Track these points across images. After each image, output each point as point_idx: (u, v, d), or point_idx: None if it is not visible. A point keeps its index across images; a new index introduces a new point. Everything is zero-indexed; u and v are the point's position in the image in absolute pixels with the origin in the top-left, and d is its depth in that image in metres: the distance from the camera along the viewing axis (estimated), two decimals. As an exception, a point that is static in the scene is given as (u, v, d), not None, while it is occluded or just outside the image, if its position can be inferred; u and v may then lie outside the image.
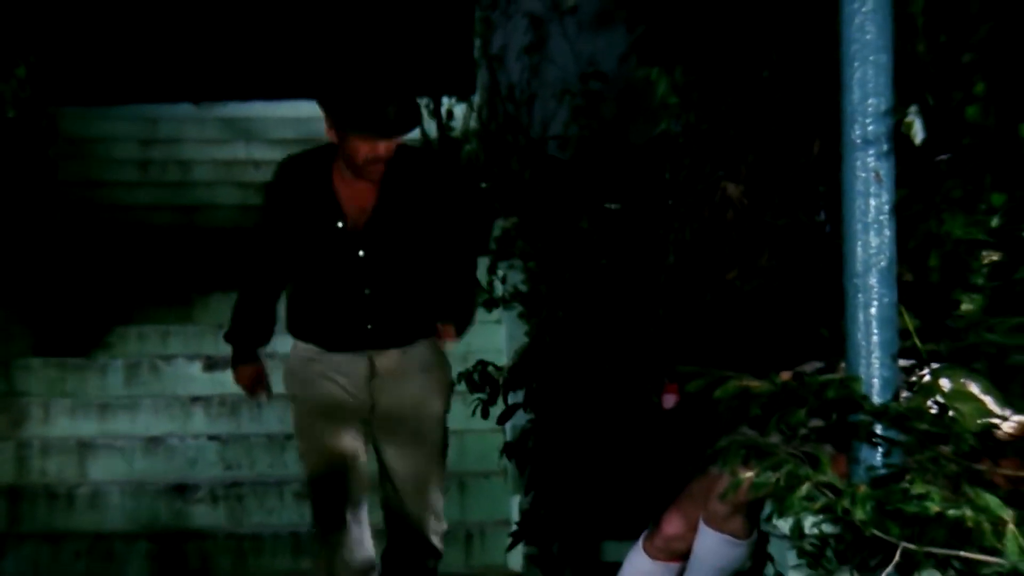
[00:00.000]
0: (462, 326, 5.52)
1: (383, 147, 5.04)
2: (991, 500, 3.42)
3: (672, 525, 4.97)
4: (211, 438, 7.66)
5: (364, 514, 5.43)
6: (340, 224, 5.20)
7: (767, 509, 4.77)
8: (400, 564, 5.46)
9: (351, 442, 5.35)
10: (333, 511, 5.34)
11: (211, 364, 8.21)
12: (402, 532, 5.43)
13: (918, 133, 5.27)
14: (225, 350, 8.42)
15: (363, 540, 5.40)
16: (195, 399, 7.94)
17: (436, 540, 5.46)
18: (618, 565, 5.18)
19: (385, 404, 5.35)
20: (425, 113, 9.97)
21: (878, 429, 3.81)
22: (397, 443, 5.38)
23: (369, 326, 5.27)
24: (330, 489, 5.33)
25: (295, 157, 5.41)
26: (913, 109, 5.21)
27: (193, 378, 8.17)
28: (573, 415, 6.35)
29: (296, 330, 5.46)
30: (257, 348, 5.57)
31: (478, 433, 7.37)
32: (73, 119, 11.00)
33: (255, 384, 5.59)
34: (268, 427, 7.81)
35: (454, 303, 5.48)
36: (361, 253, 5.21)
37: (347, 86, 5.01)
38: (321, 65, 5.22)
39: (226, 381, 8.11)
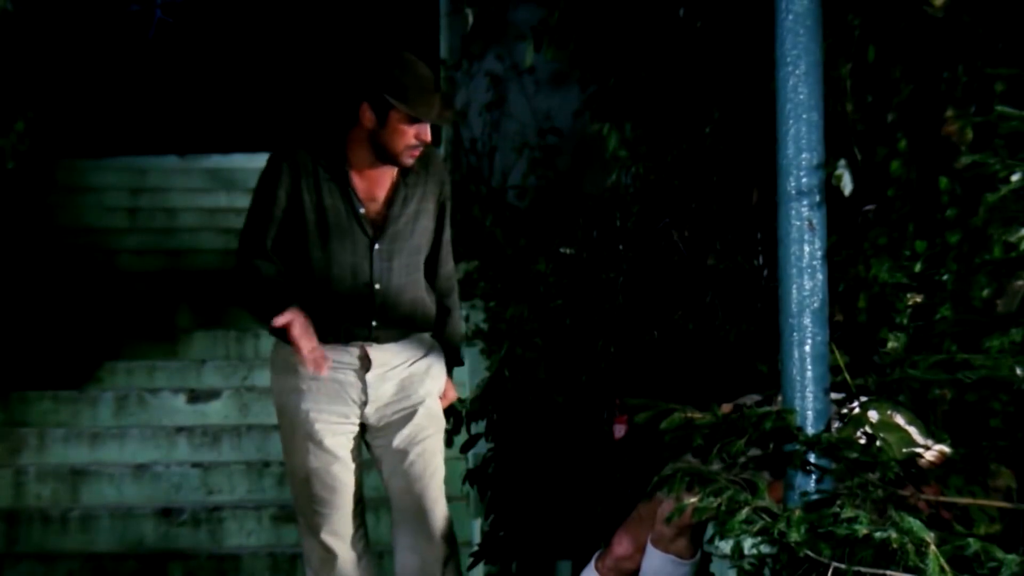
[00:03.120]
0: (456, 349, 5.11)
1: (428, 132, 4.74)
2: (914, 523, 3.43)
3: (622, 546, 4.97)
4: (194, 465, 7.62)
5: (356, 525, 5.01)
6: (362, 211, 4.81)
7: (709, 531, 4.77)
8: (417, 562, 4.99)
9: (345, 444, 4.92)
10: (326, 520, 4.94)
11: (194, 396, 8.17)
12: (411, 525, 4.99)
13: (847, 185, 5.31)
14: (207, 382, 8.45)
15: (355, 558, 5.02)
16: (179, 429, 7.89)
17: (447, 527, 5.00)
18: (572, 583, 5.17)
19: (380, 394, 4.90)
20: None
21: (811, 458, 3.82)
22: (394, 432, 4.94)
23: (374, 323, 4.85)
24: (323, 498, 4.93)
25: (299, 138, 4.90)
26: (842, 163, 5.25)
27: (178, 410, 8.12)
28: (531, 444, 6.33)
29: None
30: (288, 302, 4.78)
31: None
32: (68, 170, 10.97)
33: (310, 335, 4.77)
34: (247, 455, 7.77)
35: (449, 321, 5.07)
36: (377, 246, 4.83)
37: (408, 71, 4.69)
38: (369, 57, 4.88)
39: (208, 412, 8.10)
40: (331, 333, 4.84)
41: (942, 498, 3.69)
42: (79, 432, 7.88)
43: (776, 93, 3.98)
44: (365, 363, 4.88)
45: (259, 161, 12.13)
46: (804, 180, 3.94)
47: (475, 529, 7.02)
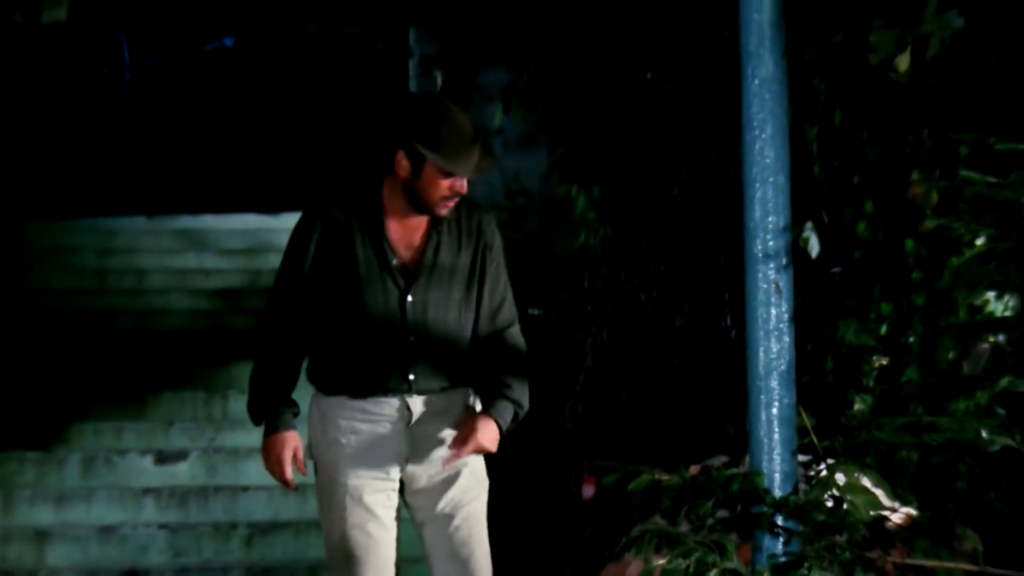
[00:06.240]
0: (515, 408, 4.71)
1: (465, 185, 4.57)
2: (882, 585, 3.43)
3: (590, 608, 4.95)
4: (161, 527, 7.56)
5: None
6: (395, 261, 4.64)
7: (678, 593, 4.76)
8: None
9: (384, 501, 4.70)
10: None
11: (162, 458, 8.12)
12: None
13: (814, 247, 5.34)
14: (175, 443, 8.41)
15: None
16: (146, 490, 7.84)
17: None
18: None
19: (422, 448, 4.67)
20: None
21: (779, 520, 3.82)
22: (438, 495, 4.71)
23: (412, 376, 4.62)
24: (358, 557, 4.68)
25: (335, 192, 4.75)
26: (809, 225, 5.28)
27: (145, 471, 8.07)
28: (499, 505, 6.32)
29: (320, 380, 4.74)
30: (289, 412, 4.68)
31: (406, 521, 7.31)
32: (37, 231, 10.94)
33: (288, 458, 4.67)
34: (214, 516, 7.72)
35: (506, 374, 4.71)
36: (410, 297, 4.64)
37: (446, 121, 4.54)
38: (407, 103, 4.68)
39: (176, 473, 8.05)
40: (368, 387, 4.66)
41: (909, 560, 3.70)
42: (45, 493, 7.83)
43: (743, 156, 4.01)
44: (405, 415, 4.66)
45: (229, 222, 12.12)
46: (771, 243, 3.96)
47: (443, 591, 6.99)
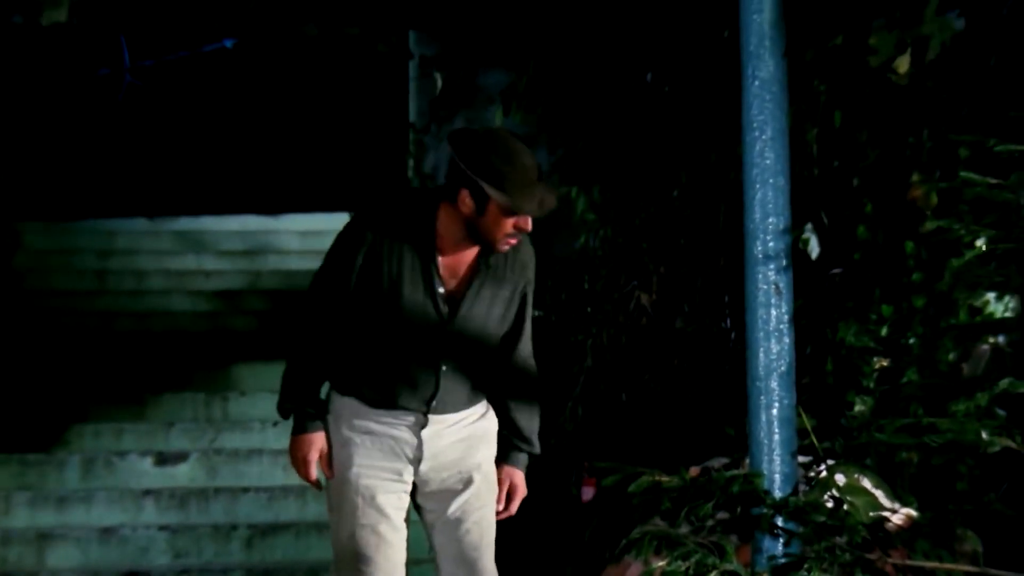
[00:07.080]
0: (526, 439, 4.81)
1: (529, 223, 4.53)
2: (882, 586, 3.43)
3: (590, 609, 4.95)
4: (161, 528, 7.56)
5: None
6: (441, 290, 4.61)
7: (678, 594, 4.76)
8: None
9: (396, 503, 4.72)
10: None
11: (162, 459, 8.12)
12: None
13: (814, 249, 5.35)
14: (175, 445, 8.41)
15: None
16: (147, 492, 7.84)
17: None
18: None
19: (435, 451, 4.69)
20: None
21: (779, 521, 3.83)
22: (449, 498, 4.75)
23: (435, 402, 4.63)
24: (367, 557, 4.71)
25: (389, 205, 4.72)
26: (809, 227, 5.29)
27: (145, 472, 8.07)
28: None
29: (340, 383, 4.74)
30: (317, 412, 4.71)
31: (413, 523, 7.31)
32: (37, 233, 10.94)
33: (314, 459, 4.71)
34: (214, 518, 7.73)
35: (524, 416, 4.80)
36: (449, 327, 4.62)
37: (511, 160, 4.50)
38: (470, 140, 4.64)
39: (176, 475, 8.05)
40: (389, 404, 4.68)
41: (909, 562, 3.70)
42: (45, 495, 7.83)
43: (743, 158, 4.01)
44: (421, 420, 4.66)
45: (228, 223, 12.10)
46: (771, 244, 3.96)
47: (443, 593, 6.99)
